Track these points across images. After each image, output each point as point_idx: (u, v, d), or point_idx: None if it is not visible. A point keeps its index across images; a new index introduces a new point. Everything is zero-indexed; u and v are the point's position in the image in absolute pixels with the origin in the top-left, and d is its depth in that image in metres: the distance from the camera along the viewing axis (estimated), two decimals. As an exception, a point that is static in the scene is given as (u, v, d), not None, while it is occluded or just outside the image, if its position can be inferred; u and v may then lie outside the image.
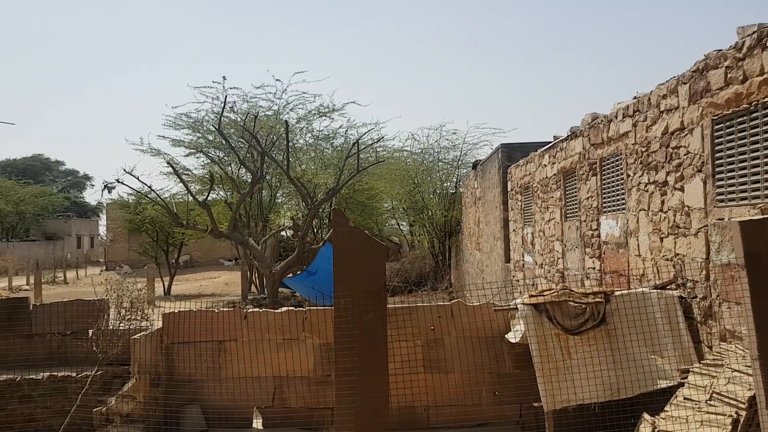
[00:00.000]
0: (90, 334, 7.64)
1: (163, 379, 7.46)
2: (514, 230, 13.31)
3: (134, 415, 6.95)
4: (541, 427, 6.54)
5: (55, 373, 7.52)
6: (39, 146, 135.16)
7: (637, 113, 7.10)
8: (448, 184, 23.76)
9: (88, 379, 7.19)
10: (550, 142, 11.18)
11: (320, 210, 18.97)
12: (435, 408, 7.10)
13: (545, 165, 10.88)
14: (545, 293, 6.31)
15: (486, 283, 10.86)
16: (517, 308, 6.53)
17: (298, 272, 18.34)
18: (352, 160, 18.14)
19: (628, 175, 7.32)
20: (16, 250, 39.28)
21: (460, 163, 23.44)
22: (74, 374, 7.52)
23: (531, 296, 6.19)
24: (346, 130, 23.18)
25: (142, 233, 29.36)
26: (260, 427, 7.50)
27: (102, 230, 50.94)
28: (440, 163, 23.70)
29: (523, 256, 12.48)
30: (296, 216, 20.48)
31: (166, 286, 26.71)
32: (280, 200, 25.28)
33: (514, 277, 13.03)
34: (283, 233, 25.20)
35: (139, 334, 7.25)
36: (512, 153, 13.95)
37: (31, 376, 7.49)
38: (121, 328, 7.51)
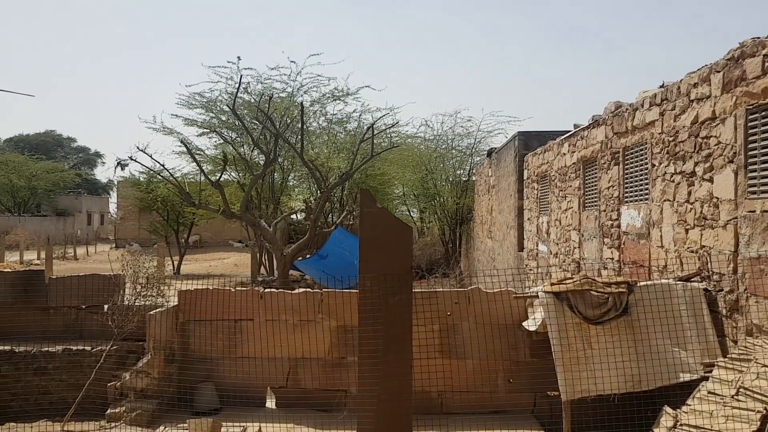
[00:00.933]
0: (105, 309, 7.64)
1: (178, 356, 7.46)
2: (528, 219, 13.20)
3: (148, 390, 6.96)
4: (555, 415, 6.50)
5: (71, 347, 7.53)
6: (51, 122, 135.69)
7: (665, 102, 6.97)
8: (461, 171, 23.63)
9: (104, 353, 7.20)
10: (568, 131, 11.04)
11: (332, 194, 18.89)
12: (450, 393, 7.07)
13: (564, 154, 10.75)
14: (566, 282, 6.23)
15: (498, 271, 10.79)
16: (536, 296, 6.47)
17: (309, 255, 18.32)
18: (365, 145, 18.04)
19: (653, 165, 7.20)
20: (27, 224, 39.51)
21: (473, 150, 23.29)
22: (89, 348, 7.53)
23: (552, 284, 6.11)
24: (360, 115, 23.05)
25: (153, 212, 29.36)
26: (274, 407, 7.50)
27: (112, 208, 51.16)
28: (453, 151, 23.56)
29: (537, 245, 12.39)
30: (308, 199, 20.40)
31: (175, 265, 26.78)
32: (291, 183, 25.21)
33: (527, 266, 12.95)
34: (293, 216, 25.18)
35: (155, 311, 7.24)
36: (529, 141, 13.81)
37: (46, 349, 7.51)
38: (136, 304, 7.50)
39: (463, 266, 22.47)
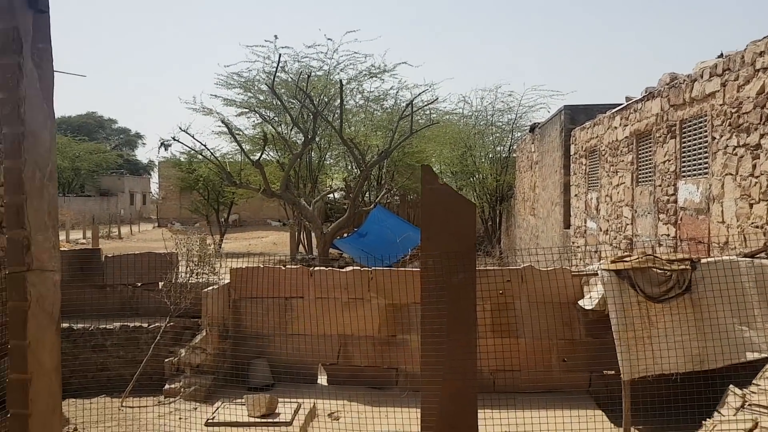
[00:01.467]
0: (161, 287, 7.78)
1: (232, 333, 7.57)
2: (575, 195, 12.95)
3: (204, 366, 7.08)
4: (612, 395, 6.39)
5: (128, 324, 7.70)
6: (92, 104, 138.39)
7: (726, 72, 6.68)
8: (501, 148, 23.26)
9: (160, 330, 7.34)
10: (617, 104, 10.72)
11: (370, 173, 18.82)
12: (502, 372, 7.02)
13: (615, 127, 10.46)
14: (627, 259, 6.07)
15: (545, 249, 10.63)
16: (593, 274, 6.33)
17: (347, 234, 18.37)
18: (404, 122, 17.88)
19: (714, 138, 6.94)
20: (72, 204, 40.53)
21: (514, 126, 22.88)
22: (146, 325, 7.68)
23: (613, 261, 5.96)
24: (397, 92, 22.82)
25: (194, 191, 29.79)
26: (325, 383, 7.57)
27: (154, 188, 52.12)
28: (493, 127, 23.18)
29: (585, 222, 12.16)
30: (348, 178, 20.39)
31: (216, 244, 27.20)
32: (328, 162, 25.22)
33: (573, 243, 12.73)
34: (330, 195, 25.20)
35: (209, 288, 7.33)
36: (575, 115, 13.48)
37: (104, 326, 7.69)
38: (190, 281, 7.61)
39: (503, 244, 22.26)
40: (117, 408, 6.60)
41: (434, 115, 22.02)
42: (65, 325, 7.77)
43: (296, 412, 6.21)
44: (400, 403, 6.29)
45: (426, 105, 19.23)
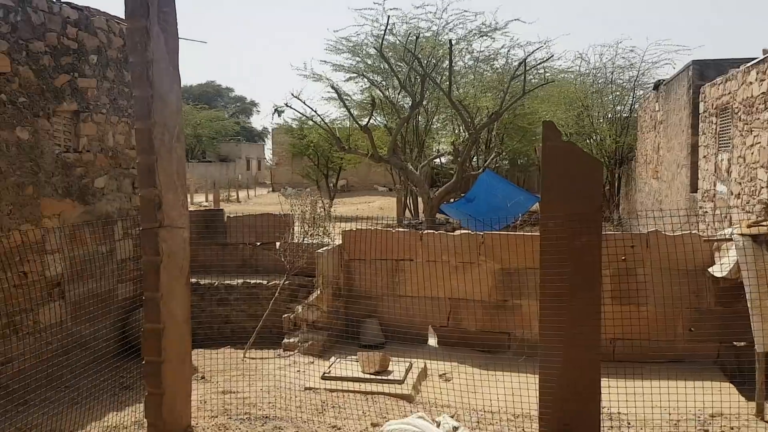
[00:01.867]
0: (278, 246, 8.08)
1: (344, 292, 7.74)
2: (704, 157, 11.98)
3: (319, 323, 7.31)
4: (742, 367, 5.92)
5: (248, 280, 8.10)
6: (210, 73, 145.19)
7: None
8: (621, 107, 21.89)
9: (278, 287, 7.64)
10: (753, 58, 9.70)
11: (479, 136, 18.41)
12: (622, 341, 6.70)
13: (751, 83, 9.49)
14: (764, 224, 5.54)
15: (671, 212, 9.96)
16: (727, 239, 5.84)
17: (454, 199, 18.18)
18: (515, 82, 17.25)
19: None
20: (194, 170, 43.03)
21: (636, 84, 21.42)
22: (265, 282, 8.04)
23: (748, 226, 5.46)
24: (508, 51, 21.99)
25: (305, 157, 30.63)
26: (435, 345, 7.59)
27: (268, 154, 54.26)
28: (612, 85, 21.83)
29: (714, 186, 11.24)
30: (456, 141, 20.09)
31: (326, 208, 27.94)
32: (435, 126, 24.95)
33: (701, 208, 11.84)
34: (437, 160, 24.99)
35: (322, 249, 7.51)
36: (704, 71, 12.39)
37: (227, 282, 8.12)
38: (305, 242, 7.83)
39: (622, 210, 21.18)
40: (240, 359, 6.98)
41: (548, 74, 21.03)
42: (192, 280, 8.27)
43: (408, 371, 6.27)
44: (511, 367, 6.18)
45: (539, 63, 18.41)
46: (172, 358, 4.36)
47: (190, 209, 9.00)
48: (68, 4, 6.72)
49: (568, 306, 3.86)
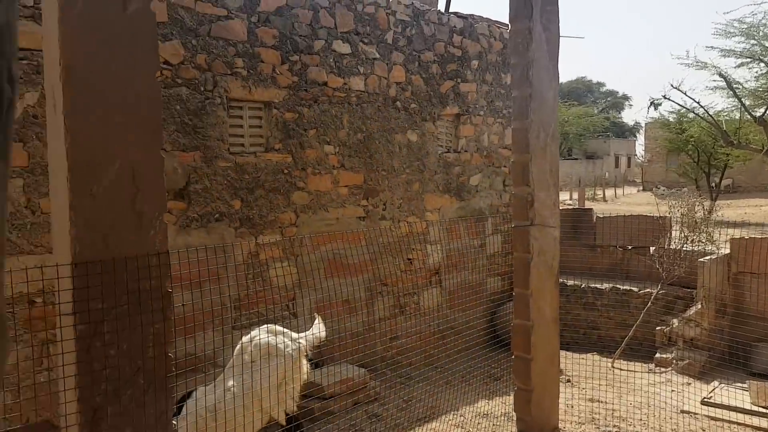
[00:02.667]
0: (652, 251, 7.44)
1: (730, 310, 6.71)
2: None
3: (698, 341, 6.49)
4: None
5: (618, 286, 7.64)
6: (581, 68, 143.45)
7: None
8: None
9: (651, 296, 7.03)
10: None
11: None
12: None
13: None
14: None
15: None
16: None
17: None
18: None
19: None
20: (560, 167, 43.17)
21: None
22: (636, 289, 7.49)
23: None
24: None
25: (682, 153, 27.88)
26: None
27: (639, 150, 51.07)
28: None
29: None
30: None
31: (706, 210, 24.95)
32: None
33: None
34: None
35: (705, 258, 6.64)
36: None
37: (594, 286, 7.82)
38: (684, 249, 7.03)
39: None
40: (607, 367, 6.64)
41: None
42: (560, 280, 8.21)
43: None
44: None
45: None
46: (540, 357, 4.36)
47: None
48: (455, 13, 7.31)
49: None
